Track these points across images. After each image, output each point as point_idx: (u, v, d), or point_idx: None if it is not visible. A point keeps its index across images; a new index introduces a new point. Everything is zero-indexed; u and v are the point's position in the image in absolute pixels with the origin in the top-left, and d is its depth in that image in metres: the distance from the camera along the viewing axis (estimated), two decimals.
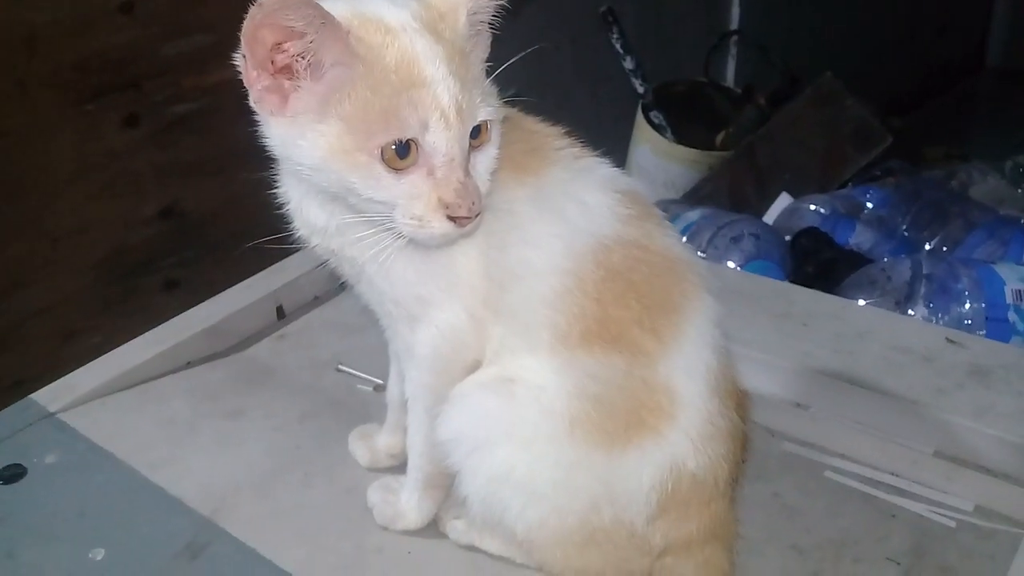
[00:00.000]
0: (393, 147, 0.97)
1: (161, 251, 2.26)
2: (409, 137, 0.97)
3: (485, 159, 1.05)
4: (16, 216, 2.00)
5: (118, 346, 1.58)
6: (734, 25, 3.88)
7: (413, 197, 0.99)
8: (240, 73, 1.01)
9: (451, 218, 0.99)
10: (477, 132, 1.02)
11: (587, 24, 3.31)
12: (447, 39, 1.01)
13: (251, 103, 1.02)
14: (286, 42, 0.96)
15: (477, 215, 1.00)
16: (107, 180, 2.12)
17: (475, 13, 1.04)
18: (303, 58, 0.97)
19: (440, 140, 0.98)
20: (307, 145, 0.99)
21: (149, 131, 2.17)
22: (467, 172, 1.01)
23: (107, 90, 2.09)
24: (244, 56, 0.98)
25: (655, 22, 3.59)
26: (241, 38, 0.96)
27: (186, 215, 2.28)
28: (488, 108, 1.03)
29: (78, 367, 1.54)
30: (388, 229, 1.02)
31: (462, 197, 0.99)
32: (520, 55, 1.08)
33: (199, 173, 2.27)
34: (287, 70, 0.98)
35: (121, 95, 2.11)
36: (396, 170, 0.98)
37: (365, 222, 1.03)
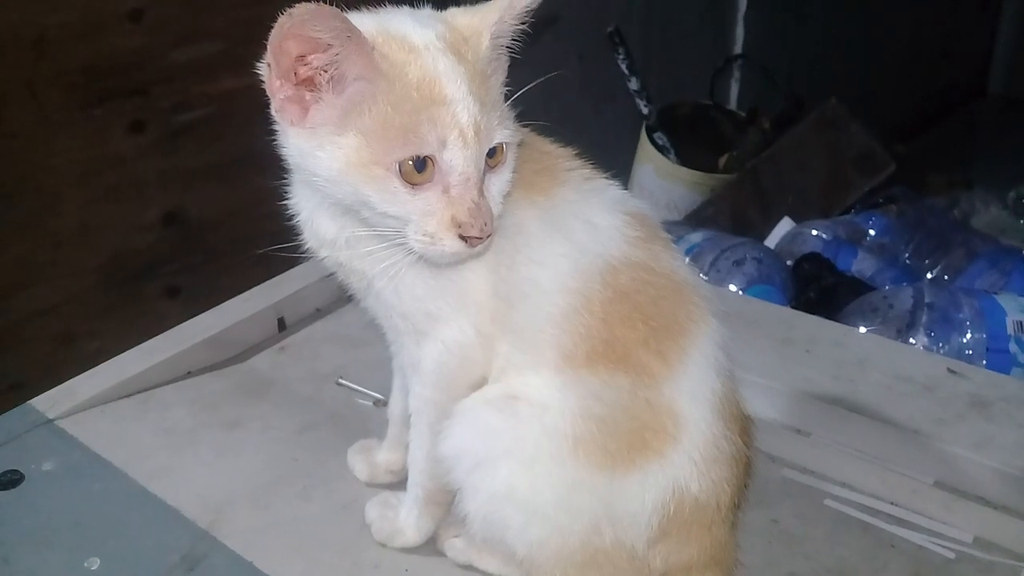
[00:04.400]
0: (411, 162, 0.98)
1: (163, 257, 2.26)
2: (427, 154, 0.98)
3: (499, 181, 1.05)
4: (19, 217, 1.99)
5: (117, 351, 1.58)
6: (738, 48, 3.89)
7: (427, 214, 1.00)
8: (262, 81, 1.02)
9: (462, 237, 1.00)
10: (493, 153, 1.03)
11: (593, 43, 3.31)
12: (469, 61, 1.02)
13: (272, 112, 1.03)
14: (310, 54, 0.97)
15: (488, 236, 1.01)
16: (111, 184, 2.12)
17: (498, 37, 1.05)
18: (326, 71, 0.98)
19: (457, 158, 0.99)
20: (325, 156, 1.00)
21: (155, 137, 2.16)
22: (481, 192, 1.01)
23: (114, 95, 2.08)
24: (269, 65, 0.99)
25: (660, 44, 3.60)
26: (268, 46, 0.97)
27: (189, 222, 2.28)
28: (505, 131, 1.04)
29: (76, 371, 1.54)
30: (399, 244, 1.03)
31: (475, 217, 0.99)
32: (538, 80, 1.09)
33: (203, 180, 2.27)
34: (309, 82, 0.99)
35: (128, 101, 2.11)
36: (412, 185, 0.99)
37: (376, 236, 1.04)
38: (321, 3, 0.93)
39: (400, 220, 1.01)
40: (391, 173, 0.98)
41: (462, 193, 1.00)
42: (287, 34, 0.95)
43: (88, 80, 2.03)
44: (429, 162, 0.99)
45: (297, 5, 0.92)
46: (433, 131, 0.98)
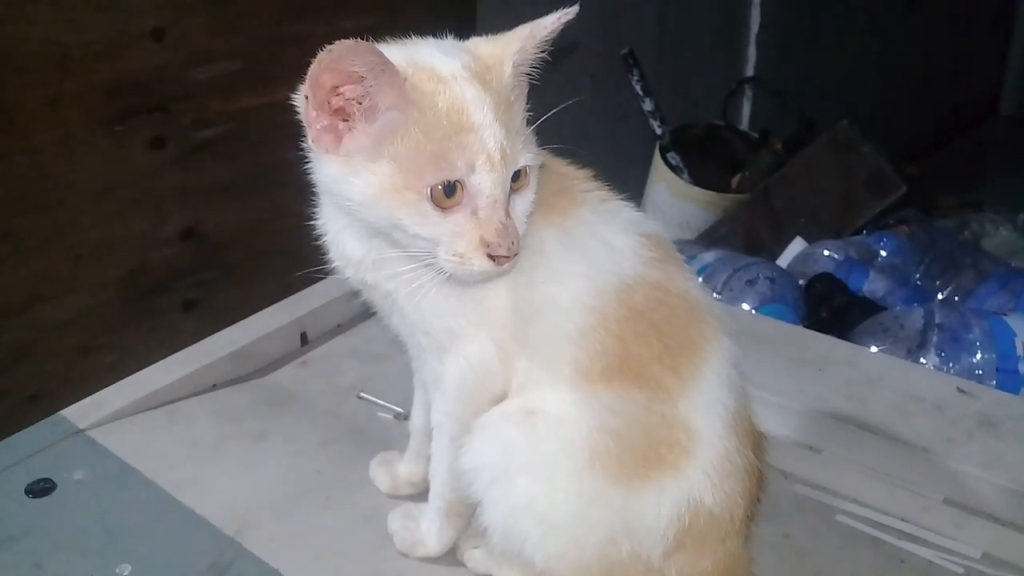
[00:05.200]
0: (441, 187, 1.01)
1: (180, 271, 2.27)
2: (457, 178, 1.01)
3: (523, 202, 1.08)
4: (41, 231, 2.02)
5: (133, 364, 1.61)
6: (751, 70, 3.90)
7: (456, 235, 1.03)
8: (298, 112, 1.06)
9: (491, 257, 1.03)
10: (517, 176, 1.06)
11: (605, 63, 3.33)
12: (494, 88, 1.05)
13: (309, 141, 1.06)
14: (343, 86, 1.00)
15: (515, 255, 1.04)
16: (131, 200, 2.14)
17: (519, 65, 1.09)
18: (359, 102, 1.01)
19: (485, 182, 1.02)
20: (359, 183, 1.03)
21: (174, 154, 2.19)
22: (508, 214, 1.04)
23: (136, 112, 2.11)
24: (306, 97, 1.03)
25: (673, 66, 3.62)
26: (306, 79, 1.01)
27: (207, 237, 2.30)
28: (529, 154, 1.07)
29: (92, 383, 1.56)
30: (428, 265, 1.06)
31: (502, 237, 1.02)
32: (560, 107, 1.12)
33: (221, 196, 2.29)
34: (341, 112, 1.02)
35: (149, 117, 2.13)
36: (442, 208, 1.02)
37: (406, 257, 1.07)
38: (359, 40, 0.96)
39: (431, 241, 1.04)
40: (423, 197, 1.02)
41: (490, 215, 1.03)
42: (325, 68, 0.99)
43: (110, 97, 2.05)
44: (458, 186, 1.02)
45: (337, 42, 0.96)
46: (462, 157, 1.01)
